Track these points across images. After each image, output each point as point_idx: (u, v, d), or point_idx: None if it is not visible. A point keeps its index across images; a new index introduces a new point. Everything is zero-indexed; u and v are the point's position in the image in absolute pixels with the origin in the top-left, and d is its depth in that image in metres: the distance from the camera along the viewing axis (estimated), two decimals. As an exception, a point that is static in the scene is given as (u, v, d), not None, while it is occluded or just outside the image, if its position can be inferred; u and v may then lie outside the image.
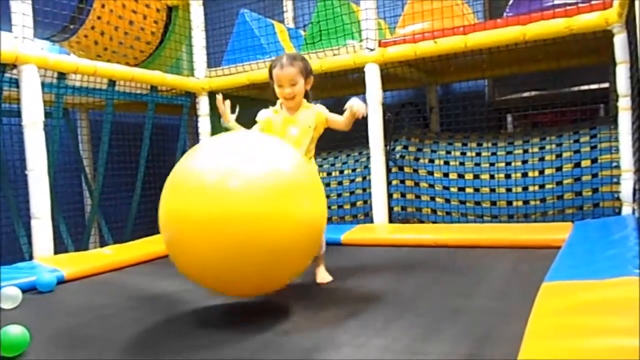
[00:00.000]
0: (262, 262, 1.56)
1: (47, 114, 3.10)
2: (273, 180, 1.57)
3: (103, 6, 3.76)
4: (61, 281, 2.44)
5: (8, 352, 1.45)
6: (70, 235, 3.81)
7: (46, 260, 2.80)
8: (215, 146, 1.72)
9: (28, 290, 2.25)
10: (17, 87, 2.96)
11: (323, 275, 2.30)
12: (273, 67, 2.21)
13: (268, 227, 1.53)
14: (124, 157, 4.39)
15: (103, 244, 4.14)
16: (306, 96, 2.27)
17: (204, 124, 4.19)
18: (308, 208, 1.66)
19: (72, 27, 3.69)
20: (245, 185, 1.53)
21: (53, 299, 2.22)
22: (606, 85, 3.80)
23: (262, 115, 2.27)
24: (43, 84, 3.05)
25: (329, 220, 3.90)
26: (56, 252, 3.06)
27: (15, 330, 1.47)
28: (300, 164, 1.73)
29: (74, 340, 1.64)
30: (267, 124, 2.24)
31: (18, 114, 3.06)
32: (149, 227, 3.64)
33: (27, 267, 2.61)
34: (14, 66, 2.93)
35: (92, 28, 3.78)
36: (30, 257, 3.07)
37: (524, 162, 3.32)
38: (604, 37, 2.92)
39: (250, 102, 4.55)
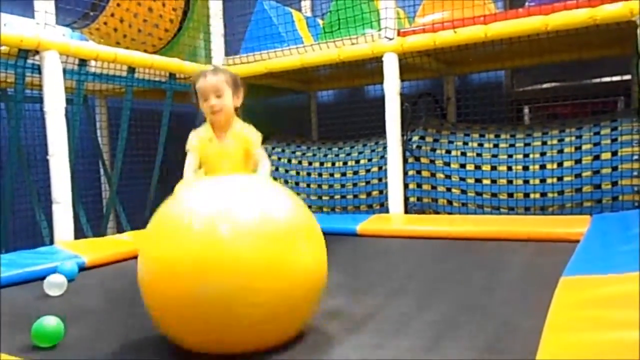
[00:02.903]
0: (251, 318, 1.36)
1: (68, 101, 3.14)
2: (267, 226, 1.41)
3: (123, -7, 3.79)
4: (82, 268, 2.42)
5: (44, 342, 1.46)
6: (88, 220, 3.87)
7: (67, 245, 2.84)
8: (204, 189, 1.59)
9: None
10: (39, 73, 3.00)
11: None
12: (195, 81, 2.01)
13: (260, 278, 1.36)
14: (141, 144, 4.42)
15: (120, 230, 4.19)
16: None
17: (221, 112, 4.20)
18: (305, 259, 1.46)
19: (92, 14, 3.72)
20: (236, 231, 1.38)
21: (76, 286, 2.21)
22: (628, 77, 3.75)
23: (194, 140, 2.03)
24: (64, 71, 3.07)
25: (345, 209, 3.92)
26: (75, 237, 3.10)
27: (51, 322, 1.48)
28: (298, 209, 1.55)
29: (98, 327, 1.68)
30: (201, 148, 2.00)
31: (40, 100, 3.11)
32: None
33: (49, 252, 2.64)
34: (36, 52, 2.96)
35: (112, 15, 3.80)
36: (51, 242, 3.13)
37: (543, 154, 3.29)
38: (628, 28, 2.87)
39: (267, 90, 4.59)
